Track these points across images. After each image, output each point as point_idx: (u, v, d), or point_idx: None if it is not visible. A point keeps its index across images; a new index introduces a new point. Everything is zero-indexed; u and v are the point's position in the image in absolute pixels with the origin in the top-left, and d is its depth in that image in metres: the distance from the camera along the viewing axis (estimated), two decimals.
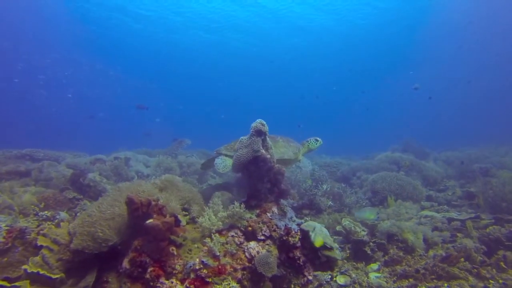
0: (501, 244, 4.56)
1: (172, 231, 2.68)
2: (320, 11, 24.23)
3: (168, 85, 43.31)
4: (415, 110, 49.22)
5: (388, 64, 34.39)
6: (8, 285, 2.47)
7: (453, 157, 11.92)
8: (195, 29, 26.93)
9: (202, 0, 22.67)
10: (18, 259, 2.88)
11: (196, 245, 2.83)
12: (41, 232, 2.90)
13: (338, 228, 5.60)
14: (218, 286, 2.54)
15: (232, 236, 2.91)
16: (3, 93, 37.27)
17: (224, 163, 3.79)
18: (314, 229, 3.11)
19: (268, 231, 2.97)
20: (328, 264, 3.22)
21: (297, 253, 3.07)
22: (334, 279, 4.44)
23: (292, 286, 3.19)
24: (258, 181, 3.12)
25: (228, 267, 2.67)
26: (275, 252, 2.93)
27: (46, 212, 4.14)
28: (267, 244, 2.93)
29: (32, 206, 4.24)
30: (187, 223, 3.12)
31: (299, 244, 3.08)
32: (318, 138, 5.18)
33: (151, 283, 2.52)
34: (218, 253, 2.69)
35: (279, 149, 4.42)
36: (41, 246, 2.75)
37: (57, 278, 2.45)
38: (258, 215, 3.07)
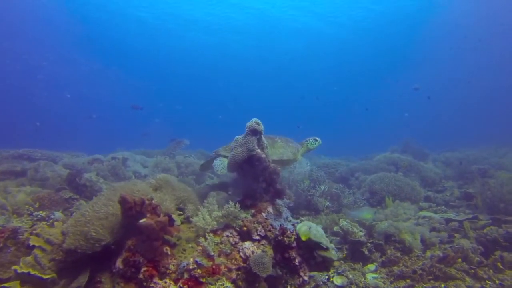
0: (499, 244, 4.55)
1: (166, 231, 2.66)
2: (319, 14, 24.32)
3: (167, 85, 43.34)
4: (415, 110, 49.19)
5: (388, 64, 34.45)
6: None
7: (452, 158, 11.90)
8: (195, 30, 27.01)
9: (201, 4, 22.75)
10: (9, 259, 2.85)
11: (190, 245, 2.81)
12: (34, 232, 2.87)
13: (335, 228, 5.56)
14: (212, 286, 2.52)
15: (227, 236, 2.89)
16: (2, 93, 37.24)
17: (222, 165, 3.77)
18: (309, 229, 3.09)
19: (263, 231, 2.94)
20: (324, 265, 3.20)
21: (293, 253, 3.04)
22: (331, 279, 4.41)
23: (288, 287, 3.17)
24: (253, 181, 3.10)
25: (222, 267, 2.65)
26: (270, 252, 2.90)
27: (40, 212, 4.11)
28: (262, 244, 2.91)
29: (27, 206, 4.21)
30: (182, 223, 3.09)
31: (294, 244, 3.06)
32: (317, 138, 5.15)
33: (145, 283, 2.50)
34: (212, 253, 2.66)
35: (278, 149, 4.40)
36: (34, 246, 2.72)
37: (48, 278, 2.42)
38: (253, 215, 3.04)
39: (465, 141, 22.64)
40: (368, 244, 5.06)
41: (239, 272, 2.73)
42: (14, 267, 2.50)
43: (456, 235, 5.27)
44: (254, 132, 3.00)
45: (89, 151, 12.25)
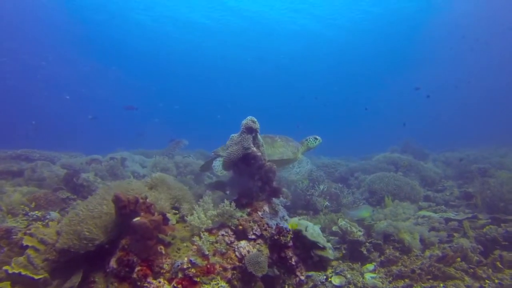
0: (498, 244, 4.51)
1: (160, 230, 2.63)
2: (318, 16, 24.40)
3: (166, 85, 43.36)
4: (415, 110, 49.20)
5: (388, 65, 34.43)
6: None
7: (452, 158, 11.88)
8: (194, 32, 27.05)
9: (200, 7, 22.81)
10: (2, 260, 2.81)
11: (185, 244, 2.78)
12: (27, 232, 2.84)
13: (334, 228, 5.53)
14: (206, 286, 2.48)
15: (222, 235, 2.85)
16: (1, 93, 37.29)
17: (222, 165, 3.73)
18: (306, 228, 3.06)
19: (259, 230, 2.91)
20: (321, 264, 3.17)
21: (289, 253, 3.01)
22: (329, 279, 4.38)
23: (286, 286, 3.14)
24: (249, 179, 3.07)
25: (217, 266, 2.62)
26: (266, 251, 2.87)
27: (36, 212, 4.09)
28: (258, 244, 2.88)
29: (22, 206, 4.18)
30: (177, 222, 3.06)
31: (291, 243, 3.03)
32: (317, 137, 5.12)
33: (138, 283, 2.47)
34: (207, 252, 2.63)
35: (278, 149, 4.38)
36: (27, 247, 2.69)
37: (40, 278, 2.39)
38: (249, 214, 3.01)
39: (465, 141, 22.61)
40: (367, 244, 5.03)
41: (235, 272, 2.69)
42: (5, 267, 2.46)
43: (455, 234, 5.24)
44: (250, 130, 2.98)
45: (88, 151, 12.23)
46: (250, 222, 2.93)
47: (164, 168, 8.62)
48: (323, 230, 5.82)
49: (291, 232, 3.07)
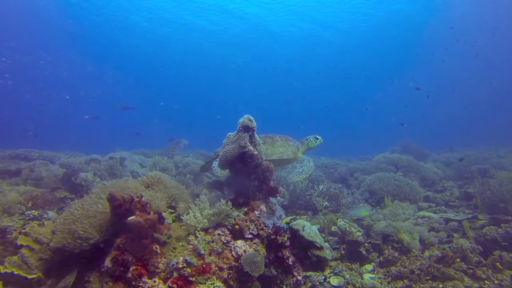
0: (498, 244, 4.47)
1: (155, 229, 2.60)
2: (317, 19, 24.46)
3: (166, 85, 43.38)
4: (415, 111, 49.16)
5: (388, 65, 34.42)
6: None
7: (452, 158, 11.83)
8: (193, 33, 27.06)
9: (199, 10, 22.87)
10: None
11: (181, 244, 2.75)
12: (22, 231, 2.82)
13: (333, 228, 5.49)
14: (202, 286, 2.46)
15: (219, 234, 2.83)
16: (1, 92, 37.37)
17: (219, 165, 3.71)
18: (303, 228, 3.03)
19: (255, 229, 2.88)
20: (319, 264, 3.14)
21: (286, 253, 2.99)
22: (328, 280, 4.34)
23: (284, 287, 3.11)
24: (245, 178, 3.04)
25: (213, 266, 2.59)
26: (262, 251, 2.84)
27: (33, 211, 4.07)
28: (255, 243, 2.85)
29: (19, 205, 4.16)
30: (173, 221, 3.04)
31: (288, 243, 3.00)
32: (318, 136, 5.09)
33: (133, 282, 2.44)
34: (202, 252, 2.61)
35: (278, 148, 4.36)
36: (22, 246, 2.67)
37: (33, 278, 2.36)
38: (245, 213, 2.98)
39: (465, 142, 22.56)
40: (366, 244, 4.98)
41: (231, 271, 2.67)
42: None
43: (455, 235, 5.20)
44: (246, 129, 2.95)
45: (88, 151, 12.22)
46: (246, 222, 2.90)
47: (164, 168, 8.61)
48: (322, 230, 5.79)
49: (288, 232, 3.04)
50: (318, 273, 4.31)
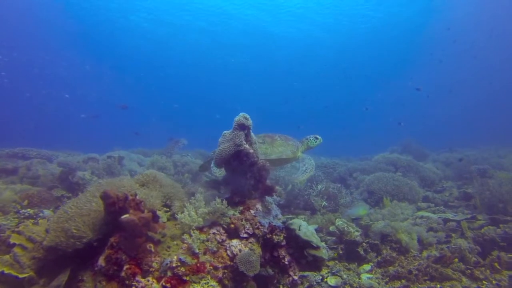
0: (496, 244, 4.45)
1: (149, 227, 2.57)
2: (317, 21, 24.51)
3: (165, 85, 43.38)
4: (415, 111, 49.13)
5: (388, 66, 34.41)
6: None
7: (452, 158, 11.80)
8: (193, 34, 27.07)
9: (198, 12, 22.92)
10: None
11: (175, 242, 2.72)
12: (15, 229, 2.79)
13: (331, 228, 5.47)
14: (196, 285, 2.43)
15: (214, 233, 2.80)
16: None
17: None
18: (299, 227, 3.01)
19: (251, 228, 2.85)
20: (315, 264, 3.11)
21: (282, 252, 2.96)
22: (325, 280, 4.32)
23: (281, 286, 3.08)
24: (241, 177, 3.01)
25: (207, 265, 2.56)
26: (258, 250, 2.81)
27: (28, 209, 4.04)
28: (250, 242, 2.82)
29: (13, 204, 4.13)
30: (168, 220, 3.01)
31: (284, 242, 2.97)
32: (317, 136, 5.06)
33: (127, 281, 2.41)
34: (197, 251, 2.58)
35: (277, 148, 4.33)
36: (14, 245, 2.64)
37: (24, 277, 2.33)
38: (241, 212, 2.96)
39: (465, 142, 22.54)
40: (364, 244, 4.97)
41: (226, 271, 2.64)
42: None
43: (453, 235, 5.17)
44: (242, 127, 2.92)
45: (87, 150, 12.19)
46: (242, 221, 2.87)
47: (162, 167, 8.59)
48: (320, 230, 5.77)
49: (284, 231, 3.02)
50: (315, 273, 4.29)
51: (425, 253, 4.68)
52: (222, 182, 3.76)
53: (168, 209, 3.09)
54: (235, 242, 2.78)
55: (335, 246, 5.15)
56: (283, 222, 3.15)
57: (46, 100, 42.45)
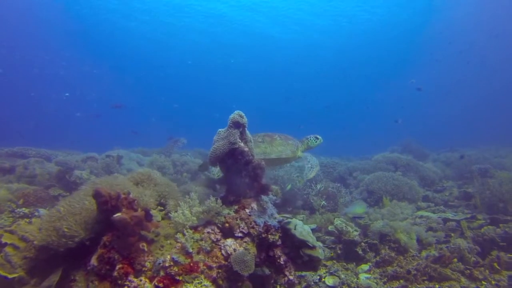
0: (496, 244, 4.40)
1: (142, 226, 2.53)
2: (318, 24, 24.52)
3: (165, 85, 43.39)
4: (415, 111, 49.04)
5: (388, 66, 34.37)
6: None
7: (452, 158, 11.74)
8: (192, 33, 27.06)
9: (198, 12, 22.93)
10: None
11: (169, 242, 2.68)
12: (7, 229, 2.75)
13: (330, 228, 5.44)
14: (189, 285, 2.39)
15: (208, 232, 2.76)
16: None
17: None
18: (295, 227, 2.97)
19: (246, 228, 2.81)
20: (311, 264, 3.06)
21: (278, 252, 2.92)
22: (323, 279, 4.29)
23: (278, 286, 3.04)
24: (236, 176, 2.97)
25: (201, 264, 2.52)
26: (253, 250, 2.77)
27: (24, 208, 4.00)
28: (245, 242, 2.78)
29: (8, 203, 4.10)
30: (163, 219, 2.97)
31: (279, 242, 2.93)
32: (318, 136, 5.02)
33: (119, 281, 2.38)
34: (191, 250, 2.54)
35: (277, 147, 4.30)
36: (6, 244, 2.61)
37: (14, 277, 2.29)
38: (236, 211, 2.91)
39: (465, 142, 22.47)
40: (363, 244, 4.93)
41: (220, 271, 2.60)
42: None
43: (453, 234, 5.13)
44: (237, 125, 2.88)
45: (87, 149, 12.16)
46: (237, 220, 2.83)
47: (161, 166, 8.57)
48: (319, 229, 5.74)
49: (279, 231, 2.98)
50: (312, 273, 4.26)
51: (424, 253, 4.65)
52: (218, 181, 3.73)
53: (162, 208, 3.05)
54: (229, 241, 2.75)
55: (333, 246, 5.12)
56: (279, 222, 3.10)
57: (46, 99, 42.50)
